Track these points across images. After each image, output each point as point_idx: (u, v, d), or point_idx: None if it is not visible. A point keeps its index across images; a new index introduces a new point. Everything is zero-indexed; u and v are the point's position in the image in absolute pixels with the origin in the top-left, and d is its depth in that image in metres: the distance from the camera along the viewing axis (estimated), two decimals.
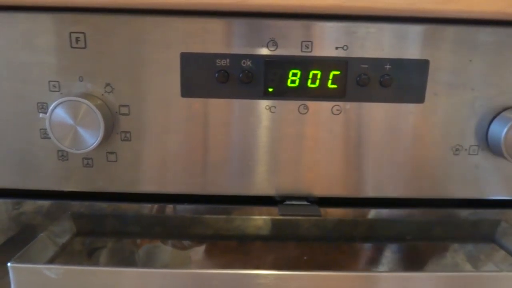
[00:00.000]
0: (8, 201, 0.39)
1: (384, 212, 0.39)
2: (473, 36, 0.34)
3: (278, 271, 0.31)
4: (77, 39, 0.33)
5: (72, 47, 0.34)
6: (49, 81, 0.34)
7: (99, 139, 0.33)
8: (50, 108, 0.33)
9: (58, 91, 0.34)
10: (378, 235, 0.40)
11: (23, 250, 0.34)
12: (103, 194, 0.38)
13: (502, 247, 0.41)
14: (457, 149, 0.36)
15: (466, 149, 0.36)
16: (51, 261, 0.35)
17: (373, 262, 0.40)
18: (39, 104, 0.35)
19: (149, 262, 0.42)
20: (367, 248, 0.40)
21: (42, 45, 0.34)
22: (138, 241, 0.41)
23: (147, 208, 0.39)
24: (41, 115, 0.34)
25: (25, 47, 0.34)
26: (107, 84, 0.34)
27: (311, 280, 0.31)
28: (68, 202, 0.39)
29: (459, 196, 0.38)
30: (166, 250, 0.42)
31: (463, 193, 0.38)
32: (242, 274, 0.31)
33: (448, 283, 0.33)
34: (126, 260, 0.42)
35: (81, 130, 0.33)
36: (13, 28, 0.33)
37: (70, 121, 0.33)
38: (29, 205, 0.39)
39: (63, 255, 0.38)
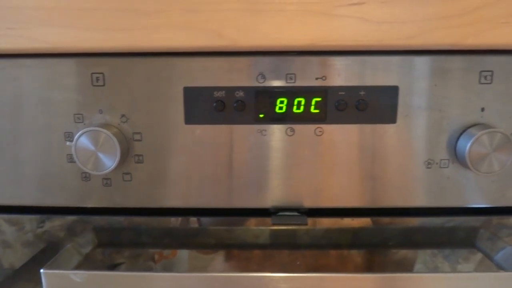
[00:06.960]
0: (38, 217, 0.45)
1: (367, 221, 0.43)
2: (436, 63, 0.39)
3: (296, 273, 0.36)
4: (97, 79, 0.40)
5: (93, 85, 0.40)
6: (74, 114, 0.40)
7: (116, 162, 0.39)
8: (75, 137, 0.39)
9: (82, 122, 0.41)
10: (363, 242, 0.44)
11: (53, 259, 0.40)
12: (121, 209, 0.44)
13: (480, 250, 0.45)
14: (429, 163, 0.41)
15: (437, 163, 0.41)
16: (77, 267, 0.41)
17: (358, 266, 0.45)
18: (66, 134, 0.41)
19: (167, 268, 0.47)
20: (352, 253, 0.45)
21: (68, 84, 0.40)
22: (154, 251, 0.46)
23: (158, 221, 0.44)
24: (67, 143, 0.40)
25: (54, 86, 0.40)
26: (123, 115, 0.40)
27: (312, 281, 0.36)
28: (90, 217, 0.45)
29: (434, 205, 0.42)
30: (182, 258, 0.47)
31: (437, 202, 0.42)
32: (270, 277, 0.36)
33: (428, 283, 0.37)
34: (144, 266, 0.47)
35: (101, 155, 0.39)
36: (44, 71, 0.40)
37: (91, 147, 0.39)
38: (56, 220, 0.45)
39: (86, 263, 0.43)
